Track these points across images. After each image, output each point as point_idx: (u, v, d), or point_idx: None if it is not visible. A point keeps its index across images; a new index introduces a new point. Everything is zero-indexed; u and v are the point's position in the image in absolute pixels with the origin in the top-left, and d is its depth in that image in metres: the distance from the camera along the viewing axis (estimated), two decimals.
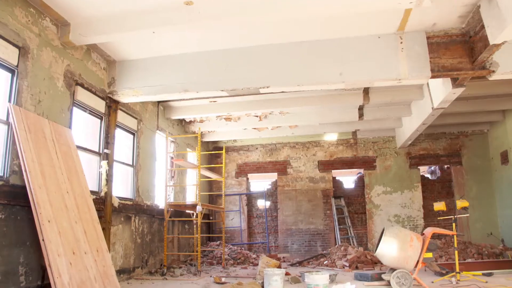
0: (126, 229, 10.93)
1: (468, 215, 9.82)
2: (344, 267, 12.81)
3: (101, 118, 10.13)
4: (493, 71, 8.71)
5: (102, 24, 8.22)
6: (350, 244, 16.41)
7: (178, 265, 13.18)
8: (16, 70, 7.29)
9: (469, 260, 12.59)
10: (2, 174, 6.87)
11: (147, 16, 7.91)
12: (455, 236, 10.08)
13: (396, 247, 8.72)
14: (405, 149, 18.06)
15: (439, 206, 10.48)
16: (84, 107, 9.43)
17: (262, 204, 19.22)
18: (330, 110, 14.80)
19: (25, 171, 6.83)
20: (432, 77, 9.01)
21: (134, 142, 11.91)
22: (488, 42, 7.75)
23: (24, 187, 6.86)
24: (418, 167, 18.08)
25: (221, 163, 15.25)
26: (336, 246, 15.68)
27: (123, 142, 11.42)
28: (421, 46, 9.06)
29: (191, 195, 16.14)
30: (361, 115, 14.70)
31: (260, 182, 20.19)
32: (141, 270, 11.57)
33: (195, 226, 15.05)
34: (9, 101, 7.13)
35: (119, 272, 10.33)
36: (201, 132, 14.92)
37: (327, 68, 9.36)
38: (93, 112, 9.82)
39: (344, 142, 18.69)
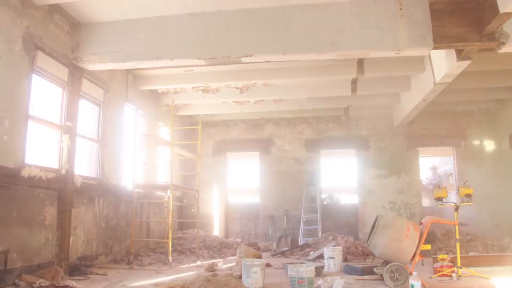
0: (89, 211, 11.10)
1: (472, 203, 9.91)
2: None
3: (63, 87, 10.20)
4: (503, 43, 8.71)
5: None
6: (339, 234, 16.59)
7: (146, 253, 13.33)
8: None
9: (472, 253, 12.71)
10: None
11: None
12: (457, 226, 9.99)
13: (390, 237, 8.65)
14: (403, 128, 18.15)
15: (440, 192, 10.26)
16: (44, 74, 9.50)
17: None
18: (319, 83, 14.90)
19: None
20: (435, 48, 9.06)
21: (100, 115, 11.98)
22: (498, 10, 7.74)
23: None
24: (417, 149, 18.26)
25: (197, 140, 15.26)
26: (324, 235, 15.82)
27: (87, 115, 11.51)
28: (422, 13, 9.05)
29: (163, 175, 16.22)
30: (354, 89, 14.74)
31: (240, 162, 20.27)
32: (105, 258, 11.77)
33: (166, 209, 15.16)
34: None
35: (80, 259, 10.51)
36: (175, 104, 14.95)
37: (317, 36, 9.43)
38: (54, 80, 9.89)
39: (335, 119, 18.84)
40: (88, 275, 9.67)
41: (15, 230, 8.22)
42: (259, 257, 10.92)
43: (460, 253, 9.77)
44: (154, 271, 10.71)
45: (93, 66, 10.48)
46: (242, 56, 9.68)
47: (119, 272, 10.52)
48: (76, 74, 10.39)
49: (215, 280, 7.06)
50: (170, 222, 12.36)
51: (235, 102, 16.93)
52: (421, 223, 9.34)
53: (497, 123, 17.58)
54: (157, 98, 16.20)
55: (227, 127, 19.51)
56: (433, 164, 19.99)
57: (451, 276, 9.43)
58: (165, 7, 9.73)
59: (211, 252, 14.89)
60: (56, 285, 8.03)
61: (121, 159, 13.09)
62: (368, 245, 9.20)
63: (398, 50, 9.18)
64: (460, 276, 9.36)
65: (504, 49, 8.91)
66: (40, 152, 9.50)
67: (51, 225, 9.39)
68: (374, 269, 9.34)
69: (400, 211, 17.54)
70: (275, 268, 11.45)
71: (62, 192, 9.64)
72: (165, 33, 9.96)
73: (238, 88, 15.32)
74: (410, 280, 7.29)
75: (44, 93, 9.72)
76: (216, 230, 18.55)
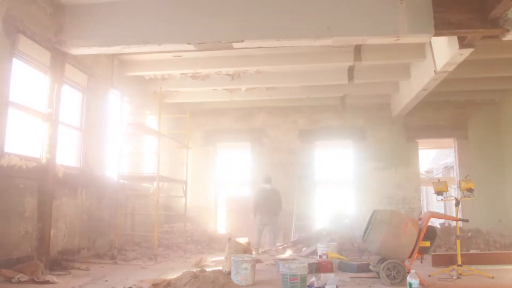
0: (71, 203, 11.12)
1: (473, 197, 9.90)
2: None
3: (45, 72, 10.17)
4: (508, 30, 8.74)
5: None
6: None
7: (131, 247, 13.35)
8: None
9: (474, 251, 12.76)
10: None
11: None
12: (457, 222, 9.95)
13: (387, 233, 8.60)
14: (402, 119, 18.17)
15: (440, 186, 10.08)
16: (26, 59, 9.49)
17: None
18: (314, 70, 14.90)
19: None
20: (436, 34, 9.10)
21: (84, 102, 11.98)
22: None
23: None
24: (417, 140, 18.32)
25: (185, 129, 15.24)
26: (317, 230, 15.86)
27: (70, 101, 11.49)
28: None
29: (150, 166, 16.20)
30: (351, 77, 14.70)
31: (231, 153, 20.23)
32: (88, 252, 11.81)
33: (152, 202, 15.13)
34: None
35: (62, 253, 10.53)
36: (163, 91, 14.89)
37: (313, 21, 9.44)
38: (36, 65, 9.88)
39: (331, 108, 18.82)
40: (69, 270, 9.65)
41: None
42: (250, 252, 10.95)
43: (461, 251, 9.71)
44: (139, 267, 10.74)
45: (77, 50, 10.43)
46: (234, 41, 9.68)
47: (102, 267, 10.53)
48: (58, 59, 10.31)
49: (202, 277, 7.06)
50: (157, 215, 12.39)
51: (225, 89, 16.88)
52: (420, 219, 9.32)
53: (501, 114, 17.65)
54: (144, 85, 16.11)
55: (217, 116, 19.45)
56: None
57: (451, 274, 9.38)
58: None
59: (199, 247, 14.92)
60: (36, 280, 8.04)
61: (106, 149, 13.11)
62: (364, 241, 9.15)
63: (398, 36, 9.21)
64: (460, 274, 9.30)
65: (509, 37, 8.96)
66: (20, 141, 9.51)
67: (31, 217, 9.40)
68: (370, 267, 9.28)
69: (398, 205, 17.57)
70: (266, 264, 11.48)
71: (43, 182, 9.63)
72: (153, 16, 9.91)
73: (229, 75, 15.26)
74: (407, 278, 7.30)
75: (25, 79, 9.69)
76: (205, 224, 18.54)
